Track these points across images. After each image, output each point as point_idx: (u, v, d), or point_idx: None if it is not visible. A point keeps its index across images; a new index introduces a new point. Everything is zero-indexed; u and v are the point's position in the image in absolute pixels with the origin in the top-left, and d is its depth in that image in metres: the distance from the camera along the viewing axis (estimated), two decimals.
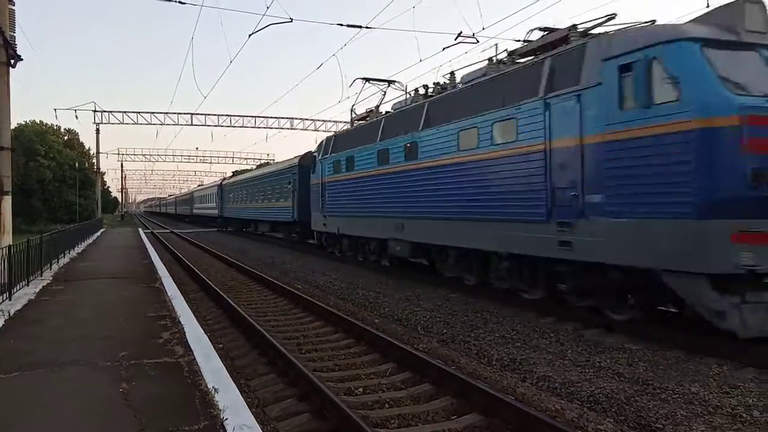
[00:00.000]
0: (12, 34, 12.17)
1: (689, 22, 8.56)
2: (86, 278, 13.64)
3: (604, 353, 8.00)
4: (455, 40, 17.26)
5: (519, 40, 12.16)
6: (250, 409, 4.97)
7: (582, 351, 8.17)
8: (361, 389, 6.88)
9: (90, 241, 29.00)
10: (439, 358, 7.88)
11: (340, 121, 51.76)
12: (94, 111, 46.37)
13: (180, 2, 16.64)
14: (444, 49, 17.84)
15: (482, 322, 10.07)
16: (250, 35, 17.97)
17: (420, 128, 14.12)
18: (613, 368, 7.34)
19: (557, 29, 10.89)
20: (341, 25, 18.93)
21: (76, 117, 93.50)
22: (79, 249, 22.83)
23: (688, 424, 5.58)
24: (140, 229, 43.82)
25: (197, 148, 79.50)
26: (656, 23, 9.23)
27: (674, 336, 8.29)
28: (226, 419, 4.48)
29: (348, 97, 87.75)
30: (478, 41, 17.37)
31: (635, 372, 7.16)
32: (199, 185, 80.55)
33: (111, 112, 47.08)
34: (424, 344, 8.86)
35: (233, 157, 77.15)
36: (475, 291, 12.64)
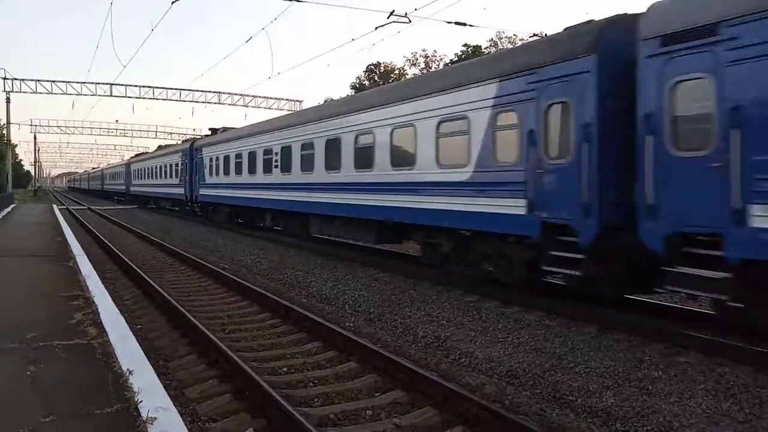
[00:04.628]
0: None
1: None
2: None
3: (523, 329, 8.29)
4: (387, 18, 17.22)
5: (450, 22, 12.20)
6: (167, 391, 4.82)
7: (503, 328, 8.43)
8: (285, 369, 6.82)
9: None
10: (365, 336, 7.91)
11: (271, 98, 50.70)
12: (4, 78, 43.39)
13: None
14: (376, 28, 17.75)
15: (409, 301, 10.20)
16: (173, 2, 17.18)
17: None
18: (531, 344, 7.62)
19: None
20: None
21: None
22: None
23: (599, 396, 5.88)
24: (54, 206, 41.46)
25: (117, 121, 75.85)
26: None
27: (589, 313, 8.69)
28: (140, 402, 4.30)
29: (279, 73, 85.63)
30: (410, 21, 17.38)
31: (551, 347, 7.46)
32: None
33: (23, 80, 44.19)
34: (351, 323, 8.89)
35: (156, 131, 74.01)
36: (404, 270, 12.77)
